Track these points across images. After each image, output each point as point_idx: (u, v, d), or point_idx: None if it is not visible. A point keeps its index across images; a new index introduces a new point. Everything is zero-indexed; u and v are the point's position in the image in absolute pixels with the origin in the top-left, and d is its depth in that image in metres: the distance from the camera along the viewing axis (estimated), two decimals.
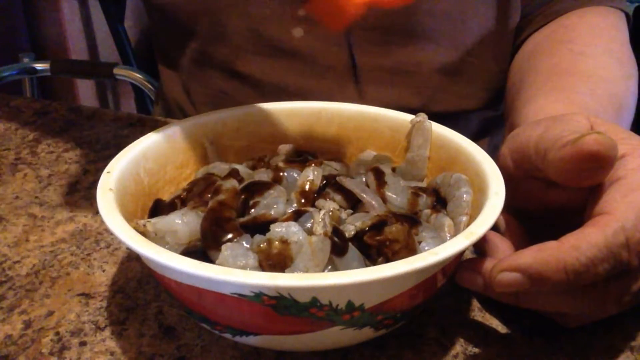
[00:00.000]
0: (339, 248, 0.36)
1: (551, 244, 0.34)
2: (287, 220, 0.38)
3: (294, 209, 0.41)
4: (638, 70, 0.64)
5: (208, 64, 0.75)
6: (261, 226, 0.39)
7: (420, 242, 0.39)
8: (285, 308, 0.32)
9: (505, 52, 0.73)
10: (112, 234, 0.35)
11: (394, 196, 0.43)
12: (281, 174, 0.44)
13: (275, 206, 0.41)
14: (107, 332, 0.41)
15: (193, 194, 0.44)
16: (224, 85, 0.75)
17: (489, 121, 0.77)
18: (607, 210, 0.34)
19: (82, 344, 0.40)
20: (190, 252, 0.38)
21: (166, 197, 0.45)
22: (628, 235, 0.33)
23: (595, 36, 0.64)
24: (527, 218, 0.42)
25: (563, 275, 0.33)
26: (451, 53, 0.70)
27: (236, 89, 0.74)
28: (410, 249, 0.37)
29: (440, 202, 0.44)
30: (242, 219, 0.40)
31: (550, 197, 0.39)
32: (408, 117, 0.49)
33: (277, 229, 0.37)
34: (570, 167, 0.35)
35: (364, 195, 0.42)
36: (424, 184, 0.47)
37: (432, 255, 0.33)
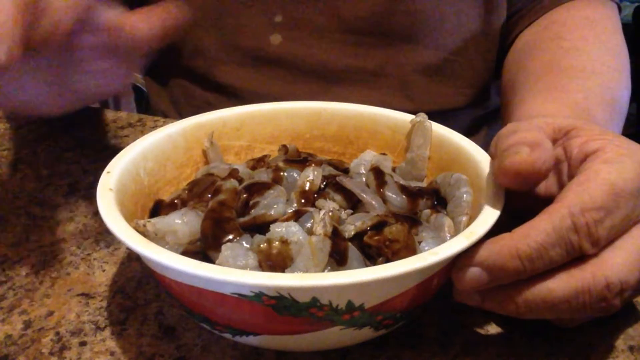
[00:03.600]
0: (339, 257, 0.36)
1: (503, 235, 0.35)
2: (287, 220, 0.38)
3: (294, 209, 0.41)
4: (632, 66, 0.63)
5: (189, 76, 0.75)
6: (261, 226, 0.39)
7: (420, 242, 0.39)
8: (285, 308, 0.32)
9: (491, 48, 0.72)
10: (112, 234, 0.35)
11: (394, 196, 0.43)
12: (281, 174, 0.44)
13: (275, 206, 0.41)
14: (107, 332, 0.41)
15: (193, 194, 0.44)
16: (206, 97, 0.74)
17: (478, 119, 0.77)
18: (559, 199, 0.36)
19: (82, 344, 0.40)
20: (191, 252, 0.38)
21: (166, 197, 0.45)
22: (575, 220, 0.34)
23: (585, 29, 0.64)
24: (520, 217, 0.42)
25: (517, 262, 0.34)
26: (433, 53, 0.69)
27: (218, 100, 0.73)
28: (410, 249, 0.37)
29: (440, 202, 0.44)
30: (242, 219, 0.40)
31: (532, 195, 0.40)
32: (408, 117, 0.49)
33: (277, 229, 0.37)
34: (503, 180, 0.37)
35: (364, 195, 0.42)
36: (424, 184, 0.47)
37: (432, 255, 0.33)
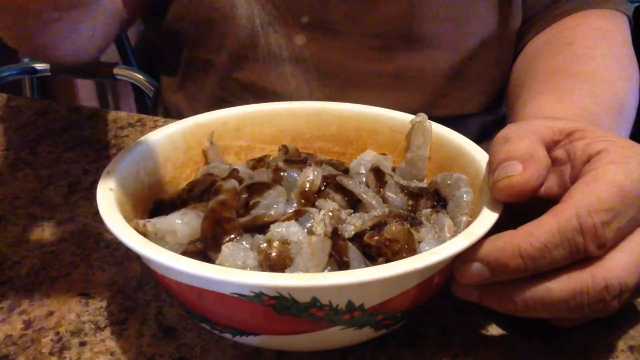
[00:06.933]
0: (341, 263, 0.36)
1: (507, 232, 0.35)
2: (287, 220, 0.38)
3: (294, 209, 0.41)
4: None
5: (208, 71, 0.75)
6: (261, 226, 0.39)
7: (420, 242, 0.39)
8: (285, 308, 0.32)
9: (506, 55, 0.73)
10: (112, 234, 0.35)
11: (394, 196, 0.43)
12: (281, 174, 0.44)
13: (275, 206, 0.41)
14: (107, 332, 0.41)
15: (193, 194, 0.44)
16: (223, 93, 0.75)
17: (489, 124, 0.77)
18: (565, 199, 0.35)
19: (82, 344, 0.40)
20: (191, 252, 0.38)
21: (166, 197, 0.45)
22: (581, 221, 0.34)
23: (596, 38, 0.64)
24: (520, 216, 0.42)
25: (519, 260, 0.34)
26: (453, 57, 0.70)
27: (236, 97, 0.74)
28: (410, 249, 0.37)
29: (440, 202, 0.44)
30: (242, 219, 0.40)
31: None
32: (408, 117, 0.49)
33: (277, 229, 0.37)
34: (498, 197, 0.38)
35: (364, 195, 0.42)
36: (424, 184, 0.47)
37: (432, 255, 0.33)
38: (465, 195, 0.42)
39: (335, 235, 0.37)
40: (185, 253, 0.37)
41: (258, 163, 0.49)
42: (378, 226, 0.38)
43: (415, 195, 0.43)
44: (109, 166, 0.41)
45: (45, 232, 0.51)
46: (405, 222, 0.39)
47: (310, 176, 0.43)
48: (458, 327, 0.41)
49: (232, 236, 0.38)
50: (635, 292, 0.36)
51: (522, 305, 0.36)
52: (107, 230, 0.35)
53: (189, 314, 0.39)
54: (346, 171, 0.47)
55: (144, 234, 0.37)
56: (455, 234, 0.40)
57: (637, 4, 1.66)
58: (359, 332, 0.35)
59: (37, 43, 0.58)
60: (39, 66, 1.13)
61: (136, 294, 0.44)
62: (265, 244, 0.36)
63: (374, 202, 0.42)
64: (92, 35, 0.64)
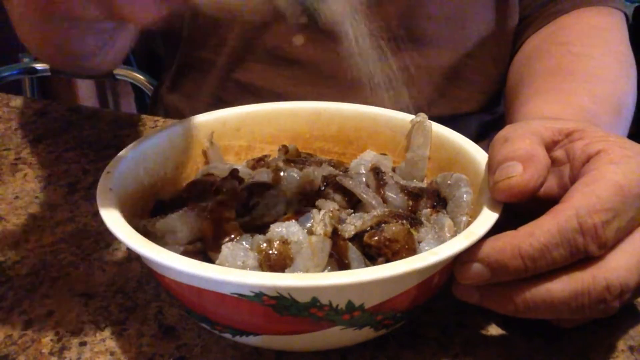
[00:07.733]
0: (341, 263, 0.36)
1: (507, 233, 0.35)
2: (287, 220, 0.38)
3: (294, 209, 0.41)
4: (637, 70, 0.64)
5: (207, 71, 0.75)
6: (261, 226, 0.39)
7: (420, 242, 0.39)
8: (285, 308, 0.32)
9: (504, 54, 0.73)
10: (112, 234, 0.35)
11: (394, 196, 0.43)
12: (281, 174, 0.44)
13: (275, 206, 0.41)
14: (107, 332, 0.41)
15: (193, 194, 0.44)
16: (222, 93, 0.75)
17: (487, 124, 0.77)
18: (565, 199, 0.36)
19: (82, 344, 0.40)
20: (191, 252, 0.38)
21: (166, 197, 0.45)
22: (581, 221, 0.34)
23: (593, 36, 0.64)
24: (520, 217, 0.42)
25: (519, 261, 0.34)
26: (451, 56, 0.70)
27: (235, 97, 0.74)
28: (410, 249, 0.37)
29: (440, 202, 0.44)
30: (242, 219, 0.40)
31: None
32: (408, 117, 0.49)
33: (277, 229, 0.37)
34: (498, 197, 0.38)
35: (364, 195, 0.42)
36: (424, 184, 0.47)
37: (432, 255, 0.33)
38: (465, 195, 0.42)
39: (335, 235, 0.37)
40: (185, 253, 0.37)
41: (258, 163, 0.49)
42: (378, 226, 0.38)
43: (415, 195, 0.43)
44: (109, 166, 0.41)
45: (45, 232, 0.51)
46: (405, 222, 0.39)
47: (310, 176, 0.43)
48: (458, 327, 0.41)
49: (232, 236, 0.38)
50: (636, 292, 0.36)
51: (523, 306, 0.36)
52: (107, 230, 0.35)
53: (189, 314, 0.39)
54: (346, 171, 0.47)
55: (144, 234, 0.37)
56: (455, 234, 0.40)
57: (637, 4, 1.66)
58: (359, 332, 0.35)
59: (73, 52, 0.54)
60: (39, 66, 1.13)
61: (136, 294, 0.44)
62: (265, 244, 0.36)
63: (374, 202, 0.42)
64: (124, 45, 0.62)
